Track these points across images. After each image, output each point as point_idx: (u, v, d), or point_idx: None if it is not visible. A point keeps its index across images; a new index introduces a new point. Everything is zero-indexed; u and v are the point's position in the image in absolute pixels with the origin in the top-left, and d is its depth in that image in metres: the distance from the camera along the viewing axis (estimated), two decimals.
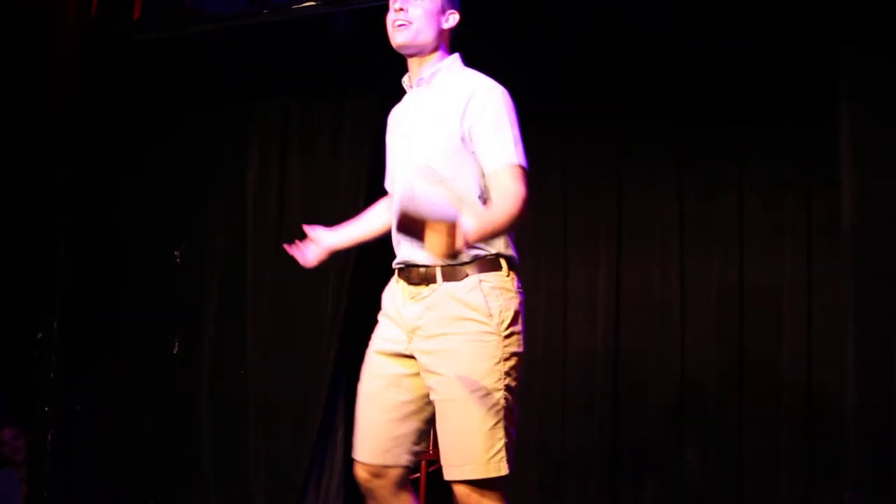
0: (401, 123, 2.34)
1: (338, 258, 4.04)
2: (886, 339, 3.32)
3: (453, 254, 1.96)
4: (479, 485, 2.10)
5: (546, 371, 4.33)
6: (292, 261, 4.38)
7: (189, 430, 4.42)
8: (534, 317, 4.27)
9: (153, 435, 4.28)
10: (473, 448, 2.09)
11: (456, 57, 2.31)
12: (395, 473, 2.23)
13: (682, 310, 4.20)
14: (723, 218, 4.21)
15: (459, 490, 2.13)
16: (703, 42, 3.96)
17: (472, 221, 1.99)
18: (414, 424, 2.22)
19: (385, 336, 2.25)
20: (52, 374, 3.93)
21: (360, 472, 2.25)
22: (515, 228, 2.16)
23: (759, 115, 4.12)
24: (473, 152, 2.18)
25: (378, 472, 2.23)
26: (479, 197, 2.18)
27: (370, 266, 4.33)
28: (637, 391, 4.23)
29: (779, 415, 4.02)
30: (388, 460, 2.21)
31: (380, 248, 4.37)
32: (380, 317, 2.31)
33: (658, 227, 4.31)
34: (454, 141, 2.17)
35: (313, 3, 3.71)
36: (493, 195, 2.15)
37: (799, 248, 4.06)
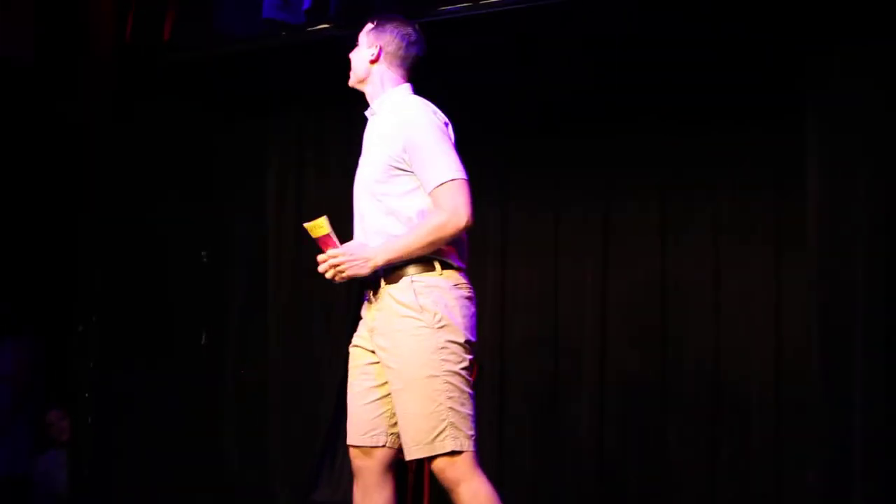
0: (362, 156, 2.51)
1: None
2: (848, 330, 3.37)
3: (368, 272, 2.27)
4: (437, 461, 2.25)
5: (541, 359, 4.41)
6: (309, 261, 4.59)
7: (214, 414, 4.51)
8: (532, 310, 4.49)
9: (182, 418, 4.35)
10: (420, 430, 2.24)
11: (405, 87, 2.47)
12: (379, 454, 2.37)
13: (661, 303, 4.25)
14: (698, 218, 4.24)
15: (434, 469, 2.29)
16: (680, 52, 4.00)
17: (377, 248, 2.29)
18: (385, 407, 2.36)
19: (359, 333, 2.46)
20: (91, 364, 4.05)
21: (350, 454, 2.43)
22: (455, 233, 2.31)
23: (730, 121, 4.14)
24: (408, 171, 2.34)
25: (365, 452, 2.38)
26: (420, 212, 2.34)
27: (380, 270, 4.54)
28: (622, 378, 4.28)
29: (750, 400, 4.04)
30: (368, 441, 2.36)
31: None
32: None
33: (641, 228, 4.35)
34: (389, 163, 2.34)
35: (327, 26, 3.78)
36: (424, 218, 2.32)
37: (767, 246, 4.08)
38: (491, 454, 4.15)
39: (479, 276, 3.48)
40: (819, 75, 3.52)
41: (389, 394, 2.37)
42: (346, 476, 4.15)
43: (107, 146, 4.18)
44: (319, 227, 2.37)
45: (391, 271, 2.33)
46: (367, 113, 2.52)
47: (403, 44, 2.49)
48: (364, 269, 2.31)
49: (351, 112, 4.29)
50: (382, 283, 2.35)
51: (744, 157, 4.19)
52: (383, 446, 2.39)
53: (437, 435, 2.25)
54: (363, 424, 2.39)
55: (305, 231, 2.42)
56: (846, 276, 3.43)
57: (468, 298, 2.38)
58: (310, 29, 3.82)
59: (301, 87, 4.46)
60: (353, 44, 4.06)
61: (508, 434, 4.35)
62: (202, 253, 4.59)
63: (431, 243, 2.31)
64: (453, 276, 2.37)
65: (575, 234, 4.47)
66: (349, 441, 2.43)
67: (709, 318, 4.20)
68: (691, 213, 4.31)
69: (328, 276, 2.38)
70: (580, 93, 4.27)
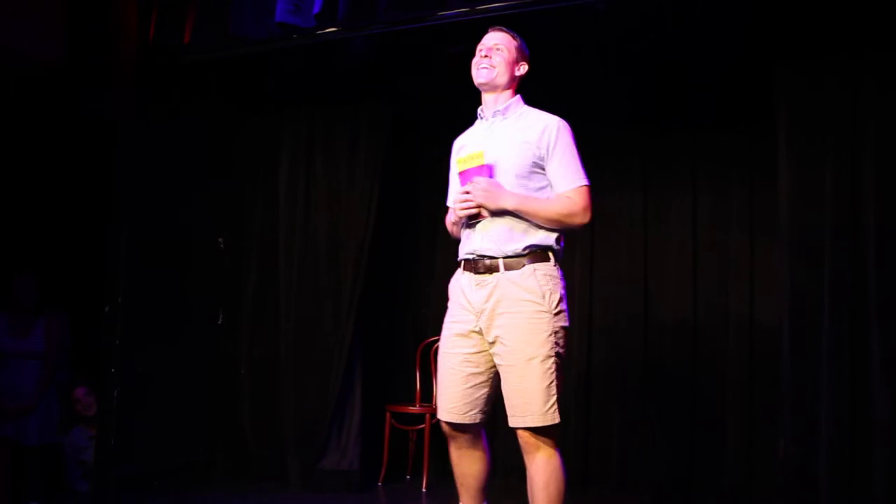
0: (475, 144, 2.58)
1: (357, 245, 4.26)
2: (815, 308, 3.46)
3: (495, 206, 2.34)
4: (538, 431, 2.39)
5: None
6: (317, 246, 4.66)
7: (231, 388, 4.56)
8: None
9: (202, 392, 4.41)
10: (533, 402, 2.37)
11: (520, 97, 2.65)
12: (473, 428, 2.53)
13: (643, 288, 4.36)
14: (679, 211, 4.36)
15: (523, 435, 2.41)
16: (666, 65, 4.13)
17: (512, 193, 2.37)
18: (484, 390, 2.50)
19: (457, 319, 2.52)
20: (117, 342, 4.05)
21: (445, 428, 2.55)
22: (571, 228, 2.48)
23: (709, 125, 4.27)
24: (542, 171, 2.49)
25: (459, 428, 2.52)
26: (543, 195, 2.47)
27: (384, 252, 4.61)
28: (608, 360, 4.40)
29: (725, 375, 4.18)
30: (466, 419, 2.50)
31: (390, 241, 4.65)
32: (450, 304, 2.58)
33: (625, 220, 4.47)
34: (530, 160, 2.49)
35: (334, 29, 3.78)
36: (557, 198, 2.47)
37: (743, 236, 4.20)
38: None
39: None
40: (788, 86, 3.61)
41: (491, 379, 2.50)
42: (352, 445, 4.29)
43: (131, 140, 4.18)
44: (479, 157, 2.44)
45: (512, 258, 2.43)
46: (485, 114, 2.61)
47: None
48: (492, 202, 2.41)
49: (357, 110, 4.42)
50: (501, 269, 2.43)
51: (722, 156, 4.30)
52: (478, 424, 2.53)
53: (549, 408, 2.38)
54: (462, 406, 2.49)
55: (461, 163, 2.48)
56: (814, 263, 3.51)
57: (565, 290, 2.53)
58: (319, 32, 3.83)
59: (311, 86, 4.50)
60: (358, 45, 4.20)
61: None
62: (219, 239, 4.63)
63: (556, 221, 2.45)
64: (559, 269, 2.50)
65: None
66: (445, 418, 2.52)
67: (687, 302, 4.29)
68: (674, 206, 4.39)
69: (464, 208, 2.45)
70: (572, 95, 4.30)
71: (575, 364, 4.40)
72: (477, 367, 2.49)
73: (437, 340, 2.76)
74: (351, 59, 4.28)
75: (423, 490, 4.35)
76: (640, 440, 4.30)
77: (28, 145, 4.76)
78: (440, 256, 4.84)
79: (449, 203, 2.72)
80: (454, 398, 2.50)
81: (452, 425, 2.52)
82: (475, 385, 2.49)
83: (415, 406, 4.46)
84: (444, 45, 3.88)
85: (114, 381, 4.07)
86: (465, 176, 2.48)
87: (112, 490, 4.02)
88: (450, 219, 2.68)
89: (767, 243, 4.03)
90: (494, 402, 2.55)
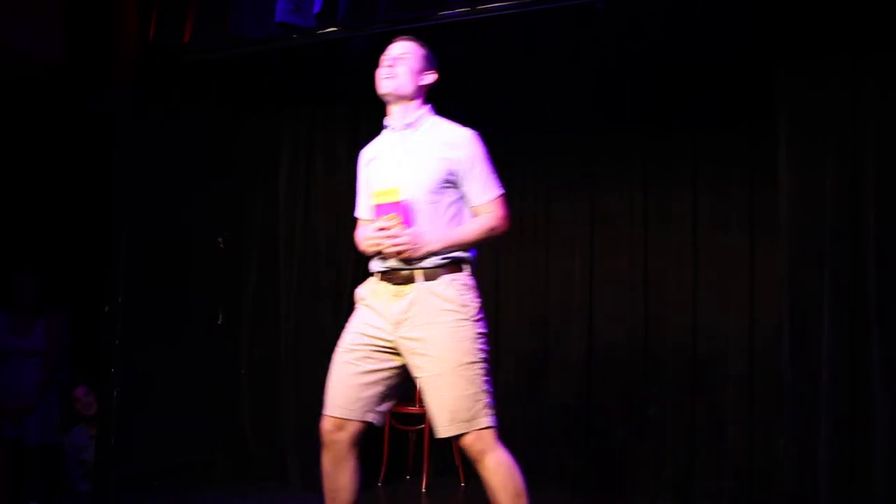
0: (385, 157, 2.54)
1: (356, 247, 4.29)
2: (815, 310, 3.44)
3: (420, 254, 2.31)
4: (468, 435, 2.34)
5: (535, 339, 4.52)
6: (317, 246, 4.64)
7: (231, 388, 4.54)
8: (527, 295, 4.57)
9: (202, 392, 4.38)
10: (460, 410, 2.33)
11: (430, 108, 2.57)
12: (355, 427, 2.42)
13: (644, 288, 4.33)
14: (679, 211, 4.33)
15: (463, 443, 2.36)
16: (668, 67, 4.13)
17: (435, 237, 2.35)
18: (378, 388, 2.42)
19: (368, 322, 2.44)
20: (117, 341, 4.04)
21: (326, 425, 2.43)
22: (494, 238, 2.49)
23: (710, 125, 4.25)
24: (453, 185, 2.45)
25: (342, 425, 2.41)
26: (453, 218, 2.45)
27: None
28: (608, 356, 4.37)
29: (725, 375, 4.14)
30: (353, 415, 2.40)
31: None
32: (361, 305, 2.50)
33: (625, 220, 4.44)
34: (443, 176, 2.44)
35: (334, 29, 3.78)
36: (476, 219, 2.47)
37: (743, 236, 4.18)
38: None
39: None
40: (788, 86, 3.60)
41: (388, 379, 2.44)
42: None
43: (131, 140, 4.17)
44: (394, 193, 2.39)
45: (430, 269, 2.40)
46: (393, 124, 2.56)
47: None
48: (418, 252, 2.38)
49: (357, 110, 4.40)
50: (417, 279, 2.40)
51: (722, 156, 4.29)
52: (365, 422, 2.44)
53: (476, 413, 2.35)
54: (353, 401, 2.41)
55: (377, 196, 2.42)
56: (814, 263, 3.50)
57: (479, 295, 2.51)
58: (319, 32, 3.83)
59: (311, 86, 4.49)
60: (357, 45, 4.19)
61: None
62: (218, 239, 4.61)
63: (482, 241, 2.47)
64: (473, 279, 2.49)
65: (563, 225, 4.56)
66: (330, 412, 2.43)
67: (688, 301, 4.27)
68: (674, 206, 4.37)
69: (375, 245, 2.41)
70: (573, 96, 4.34)
71: (575, 364, 4.39)
72: (376, 363, 2.42)
73: None
74: (351, 59, 4.24)
75: (423, 490, 4.34)
76: (640, 439, 4.28)
77: (28, 145, 4.77)
78: None
79: (357, 213, 2.68)
80: (346, 392, 2.41)
81: (336, 422, 2.41)
82: (370, 382, 2.42)
83: (414, 406, 4.44)
84: (444, 45, 3.87)
85: (114, 381, 4.07)
86: (380, 210, 2.42)
87: (112, 490, 4.01)
88: (360, 234, 2.61)
89: (767, 243, 4.01)
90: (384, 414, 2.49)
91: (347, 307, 4.08)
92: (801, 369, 3.47)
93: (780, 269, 3.62)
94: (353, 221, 4.18)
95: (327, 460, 2.45)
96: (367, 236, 2.46)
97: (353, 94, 4.39)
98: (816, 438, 3.41)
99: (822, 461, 3.37)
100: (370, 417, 2.44)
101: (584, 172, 4.51)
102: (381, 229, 2.39)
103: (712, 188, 4.29)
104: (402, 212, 2.38)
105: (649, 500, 4.14)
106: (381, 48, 4.15)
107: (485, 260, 4.43)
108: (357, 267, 4.22)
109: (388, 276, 2.45)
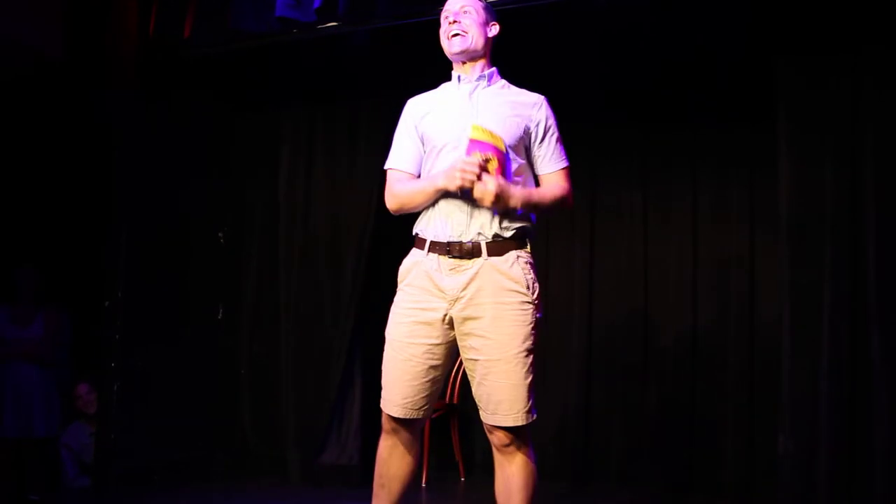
0: (455, 108, 2.31)
1: (357, 241, 4.21)
2: (815, 305, 3.41)
3: (501, 207, 2.09)
4: (521, 429, 2.21)
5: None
6: (318, 243, 4.60)
7: (231, 383, 4.51)
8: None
9: (202, 387, 4.34)
10: (519, 400, 2.17)
11: (496, 69, 2.39)
12: (419, 423, 2.33)
13: (644, 285, 4.30)
14: (679, 209, 4.31)
15: (502, 434, 2.21)
16: (668, 64, 4.10)
17: (518, 190, 2.15)
18: (440, 384, 2.31)
19: (423, 306, 2.24)
20: (116, 337, 4.01)
21: (390, 424, 2.31)
22: (561, 211, 2.34)
23: (709, 123, 4.22)
24: (526, 148, 2.29)
25: (406, 423, 2.30)
26: (521, 185, 2.26)
27: (383, 250, 4.54)
28: (608, 348, 4.35)
29: (725, 373, 4.13)
30: (418, 415, 2.28)
31: (390, 235, 4.57)
32: (406, 288, 2.29)
33: (626, 216, 4.41)
34: (518, 136, 2.27)
35: (335, 24, 3.74)
36: (549, 185, 2.30)
37: (743, 234, 4.16)
38: None
39: None
40: (788, 84, 3.56)
41: (445, 373, 2.30)
42: (351, 439, 4.24)
43: (131, 135, 4.14)
44: (498, 140, 2.18)
45: (497, 242, 2.21)
46: (466, 77, 2.34)
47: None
48: (501, 203, 2.15)
49: (356, 103, 4.37)
50: (484, 253, 2.21)
51: (722, 154, 4.26)
52: (426, 419, 2.35)
53: (531, 405, 2.22)
54: (417, 400, 2.28)
55: (478, 131, 2.19)
56: (814, 257, 3.47)
57: None
58: (320, 26, 3.77)
59: (311, 80, 4.44)
60: (358, 40, 4.14)
61: None
62: (219, 234, 4.58)
63: (553, 209, 2.30)
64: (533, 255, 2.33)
65: (563, 222, 4.51)
66: (394, 413, 2.30)
67: (687, 300, 4.25)
68: (674, 204, 4.35)
69: (468, 178, 2.14)
70: (572, 92, 4.26)
71: (575, 362, 4.36)
72: (439, 359, 2.27)
73: None
74: (351, 54, 4.22)
75: (423, 485, 4.30)
76: (640, 437, 4.25)
77: (29, 141, 4.75)
78: None
79: (397, 165, 2.41)
80: (411, 392, 2.26)
81: (400, 420, 2.30)
82: (434, 378, 2.28)
83: None
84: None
85: (114, 377, 4.03)
86: (481, 146, 2.16)
87: (112, 485, 3.98)
88: (413, 186, 2.33)
89: (767, 242, 3.98)
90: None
91: (347, 303, 4.21)
92: (801, 369, 3.42)
93: (780, 267, 3.57)
94: (353, 219, 4.24)
95: (387, 447, 2.35)
96: (461, 166, 2.15)
97: (353, 90, 4.37)
98: (816, 437, 3.36)
99: (822, 458, 3.34)
100: (429, 413, 2.33)
101: (584, 170, 4.43)
102: (479, 166, 2.13)
103: (712, 186, 4.26)
104: (501, 159, 2.17)
105: (649, 498, 4.11)
106: (382, 43, 4.18)
107: None
108: (357, 263, 4.21)
109: (444, 246, 2.23)
